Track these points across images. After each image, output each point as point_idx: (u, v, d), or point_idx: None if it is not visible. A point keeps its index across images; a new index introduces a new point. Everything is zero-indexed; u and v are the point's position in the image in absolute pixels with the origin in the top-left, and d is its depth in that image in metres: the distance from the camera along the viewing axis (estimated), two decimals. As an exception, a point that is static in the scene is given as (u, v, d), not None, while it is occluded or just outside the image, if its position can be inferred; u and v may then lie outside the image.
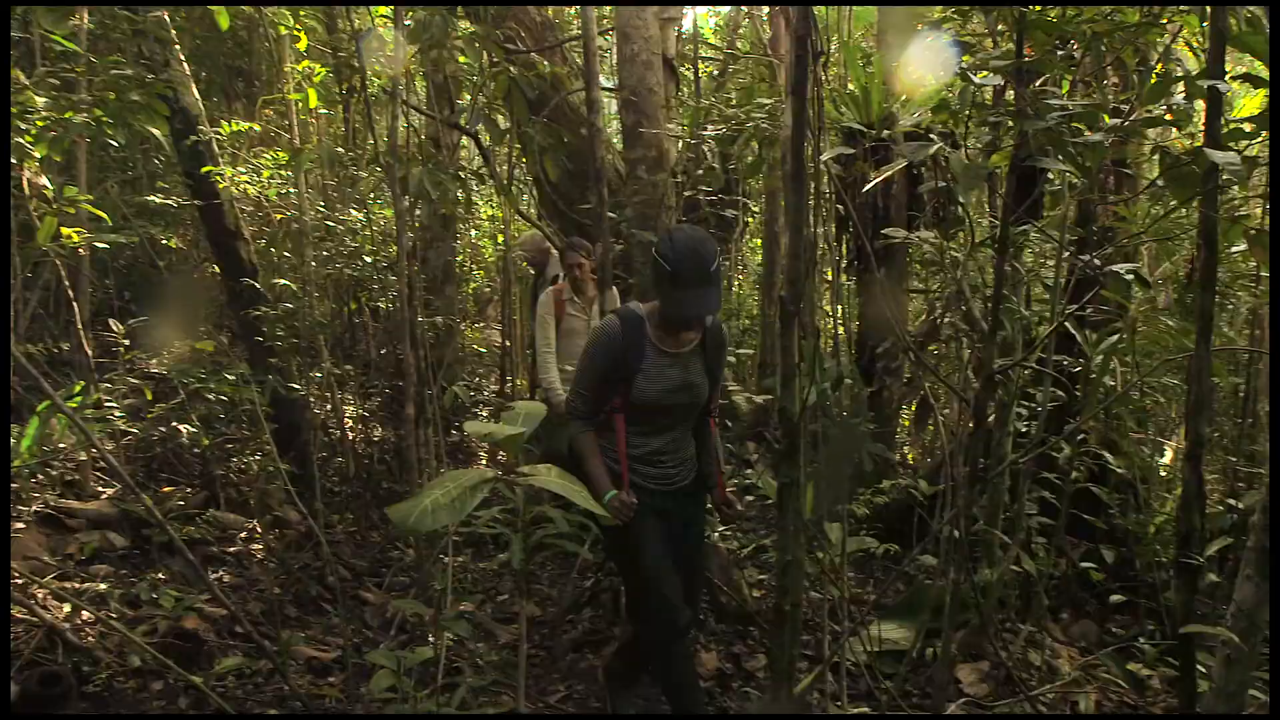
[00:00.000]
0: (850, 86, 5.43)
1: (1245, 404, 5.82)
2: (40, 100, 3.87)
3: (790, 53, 1.64)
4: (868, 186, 2.94)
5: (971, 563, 4.64)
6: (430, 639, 3.74)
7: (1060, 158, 1.90)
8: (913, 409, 6.23)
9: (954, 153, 2.04)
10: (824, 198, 4.96)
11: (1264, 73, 2.02)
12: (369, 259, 6.14)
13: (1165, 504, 5.84)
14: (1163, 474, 6.34)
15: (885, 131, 4.63)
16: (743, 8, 9.18)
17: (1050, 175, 3.82)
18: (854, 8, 7.61)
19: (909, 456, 7.42)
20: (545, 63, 4.70)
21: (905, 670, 3.84)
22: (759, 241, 9.31)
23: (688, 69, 7.31)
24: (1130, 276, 3.68)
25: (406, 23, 4.43)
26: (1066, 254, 4.06)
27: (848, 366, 4.60)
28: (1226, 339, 6.11)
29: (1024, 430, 4.52)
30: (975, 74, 1.96)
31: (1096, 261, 3.89)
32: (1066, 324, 4.34)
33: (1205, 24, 2.15)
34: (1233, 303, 6.20)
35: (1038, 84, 3.14)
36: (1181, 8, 2.09)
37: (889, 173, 2.17)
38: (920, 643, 3.89)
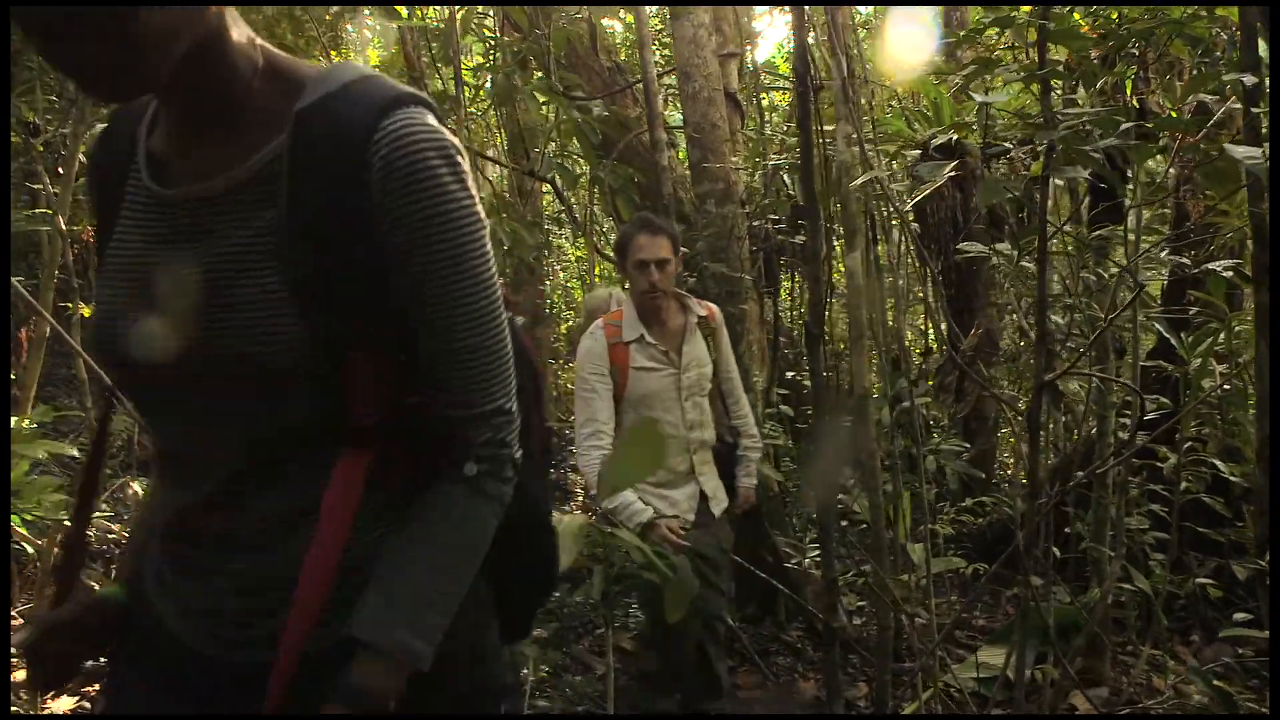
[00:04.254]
0: (923, 102, 5.38)
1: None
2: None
3: (794, 90, 1.69)
4: (910, 203, 2.92)
5: (1082, 583, 4.46)
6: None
7: (1084, 165, 1.87)
8: (950, 416, 6.06)
9: (981, 167, 2.03)
10: (902, 215, 4.93)
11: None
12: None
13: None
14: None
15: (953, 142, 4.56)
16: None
17: (1130, 177, 3.70)
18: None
19: (1020, 475, 7.16)
20: (603, 109, 4.82)
21: (1006, 695, 3.72)
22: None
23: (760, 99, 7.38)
24: (1229, 274, 3.52)
25: (486, 85, 4.67)
26: (1163, 253, 3.92)
27: (924, 384, 4.53)
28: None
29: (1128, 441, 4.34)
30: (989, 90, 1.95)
31: (1185, 261, 3.75)
32: (1162, 329, 4.19)
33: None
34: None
35: (1096, 86, 3.08)
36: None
37: (928, 189, 2.18)
38: (1030, 668, 3.75)
